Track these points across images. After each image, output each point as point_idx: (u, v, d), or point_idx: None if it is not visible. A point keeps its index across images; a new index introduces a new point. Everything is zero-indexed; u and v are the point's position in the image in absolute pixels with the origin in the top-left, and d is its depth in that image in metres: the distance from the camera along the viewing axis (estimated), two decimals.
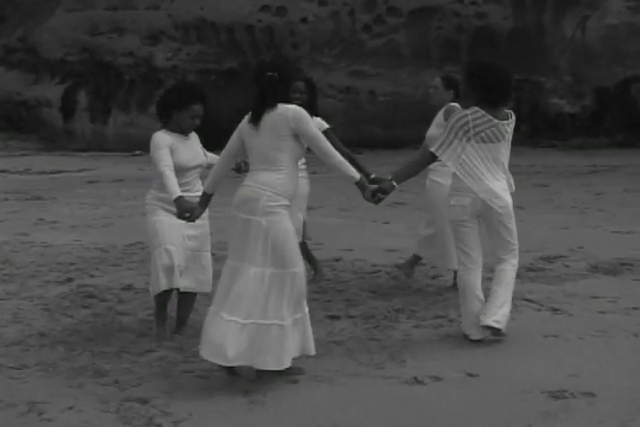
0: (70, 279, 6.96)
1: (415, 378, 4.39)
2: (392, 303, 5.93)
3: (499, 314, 4.92)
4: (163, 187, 4.93)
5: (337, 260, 7.57)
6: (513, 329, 5.26)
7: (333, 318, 5.65)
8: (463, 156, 4.87)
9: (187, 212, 4.74)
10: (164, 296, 5.20)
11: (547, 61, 15.49)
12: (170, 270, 5.07)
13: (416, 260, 6.72)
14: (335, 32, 16.30)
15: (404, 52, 16.03)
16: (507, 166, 5.10)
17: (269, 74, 4.28)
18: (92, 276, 7.11)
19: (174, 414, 4.00)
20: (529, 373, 4.47)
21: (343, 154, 5.45)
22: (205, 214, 4.98)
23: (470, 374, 4.47)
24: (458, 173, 4.91)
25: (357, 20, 16.12)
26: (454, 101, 6.22)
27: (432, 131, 6.27)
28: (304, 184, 6.20)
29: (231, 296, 4.27)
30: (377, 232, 9.05)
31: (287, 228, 4.27)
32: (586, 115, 15.73)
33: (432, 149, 4.95)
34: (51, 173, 15.85)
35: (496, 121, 4.88)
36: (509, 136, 5.01)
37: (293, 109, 4.25)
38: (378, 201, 4.67)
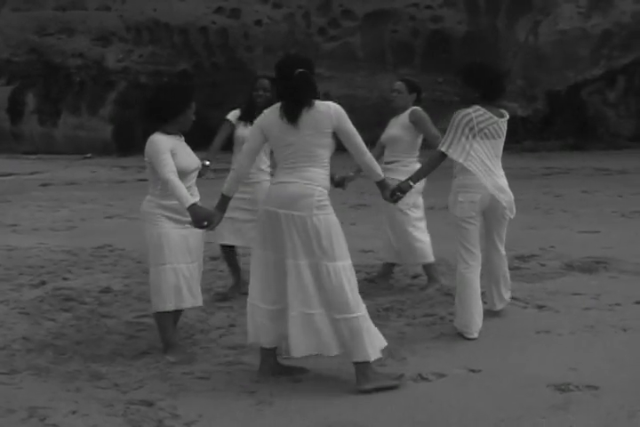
0: (44, 282, 6.79)
1: (420, 375, 4.40)
2: (378, 303, 5.93)
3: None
4: (165, 193, 4.66)
5: None
6: (504, 326, 5.34)
7: None
8: (472, 152, 4.95)
9: (205, 220, 4.41)
10: (170, 315, 4.86)
11: (500, 65, 15.69)
12: (177, 291, 4.76)
13: (389, 268, 6.71)
14: (289, 35, 16.28)
15: (358, 55, 16.10)
16: None
17: (300, 71, 4.21)
18: (65, 279, 6.95)
19: (183, 416, 3.93)
20: (530, 367, 4.52)
21: None
22: None
23: (473, 370, 4.49)
24: (471, 169, 5.00)
25: (312, 22, 16.13)
26: (415, 105, 6.34)
27: (397, 132, 6.31)
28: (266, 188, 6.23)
29: (307, 292, 4.20)
30: (346, 233, 9.01)
31: (336, 221, 4.28)
32: (538, 118, 16.00)
33: (442, 149, 5.00)
34: (1, 175, 15.48)
35: (496, 118, 5.02)
36: (504, 133, 5.13)
37: (334, 107, 4.24)
38: (397, 200, 4.84)
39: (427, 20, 15.56)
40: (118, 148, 16.77)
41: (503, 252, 5.44)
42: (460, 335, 5.09)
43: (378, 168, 4.43)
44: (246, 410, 4.01)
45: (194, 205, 4.45)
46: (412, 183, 4.91)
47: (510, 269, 6.86)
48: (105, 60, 16.78)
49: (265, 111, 4.38)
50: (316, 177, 4.25)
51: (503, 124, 5.11)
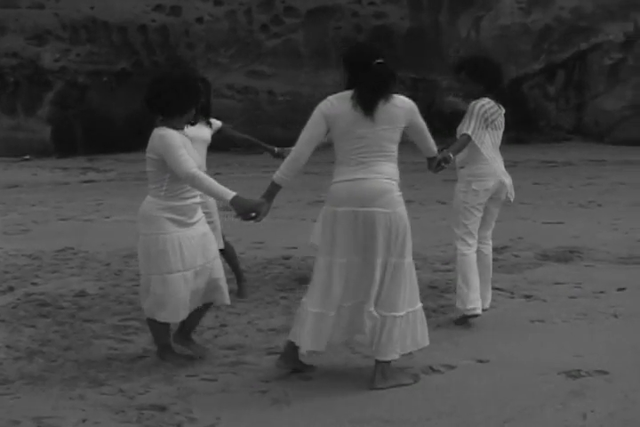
0: (12, 288, 6.53)
1: (430, 367, 4.38)
2: None
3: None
4: (171, 194, 4.33)
5: (286, 258, 7.46)
6: (498, 316, 5.37)
7: None
8: (485, 141, 5.08)
9: (252, 211, 4.13)
10: (166, 325, 4.60)
11: (442, 60, 15.85)
12: (177, 302, 4.42)
13: None
14: (231, 32, 16.11)
15: (302, 51, 16.04)
16: None
17: (379, 61, 4.04)
18: (34, 284, 6.70)
19: (201, 419, 3.82)
20: (535, 356, 4.55)
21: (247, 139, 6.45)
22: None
23: (480, 361, 4.50)
24: (487, 156, 5.18)
25: (254, 19, 15.99)
26: None
27: None
28: None
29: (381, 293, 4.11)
30: (311, 230, 8.98)
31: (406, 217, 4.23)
32: None
33: (468, 132, 5.07)
34: None
35: (501, 110, 5.12)
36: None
37: (409, 102, 4.15)
38: (440, 170, 4.75)
39: (370, 16, 15.60)
40: (57, 149, 16.35)
41: (488, 243, 5.51)
42: (460, 322, 5.17)
43: (435, 148, 4.51)
44: (264, 410, 3.92)
45: (237, 196, 4.12)
46: (451, 155, 4.88)
47: None
48: (40, 60, 16.32)
49: (330, 98, 4.10)
50: (393, 172, 4.14)
51: (503, 116, 5.30)
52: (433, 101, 16.37)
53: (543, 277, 6.33)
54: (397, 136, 4.15)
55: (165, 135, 4.30)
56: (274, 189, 4.19)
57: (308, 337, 4.16)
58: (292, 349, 4.29)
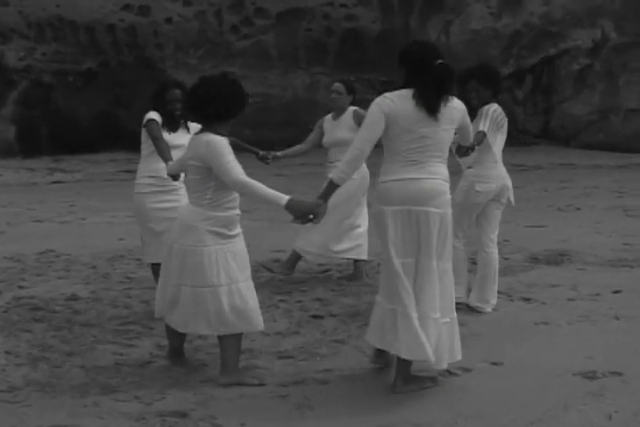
0: None
1: (448, 371, 4.36)
2: (363, 300, 5.86)
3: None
4: (215, 203, 4.15)
5: (276, 261, 7.40)
6: (500, 319, 5.40)
7: (317, 317, 5.51)
8: (496, 142, 5.39)
9: (309, 213, 4.03)
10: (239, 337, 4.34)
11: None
12: (249, 311, 4.23)
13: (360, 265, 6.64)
14: (201, 33, 15.98)
15: (272, 53, 15.96)
16: None
17: (441, 62, 4.01)
18: (21, 287, 6.55)
19: (225, 426, 3.75)
20: (547, 358, 4.58)
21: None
22: None
23: (495, 363, 4.52)
24: (497, 158, 5.41)
25: (224, 20, 15.88)
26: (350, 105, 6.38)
27: (345, 135, 6.23)
28: None
29: (434, 296, 4.03)
30: (296, 233, 8.94)
31: None
32: None
33: (484, 129, 5.18)
34: None
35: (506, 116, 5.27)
36: None
37: (462, 103, 4.16)
38: (465, 155, 4.98)
39: (341, 18, 15.60)
40: (22, 149, 16.04)
41: (493, 245, 5.75)
42: (474, 313, 5.39)
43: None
44: (287, 415, 3.87)
45: (291, 199, 4.00)
46: (476, 144, 4.98)
47: (476, 263, 7.00)
48: (4, 58, 15.99)
49: (388, 96, 4.02)
50: (446, 173, 4.12)
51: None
52: None
53: (538, 280, 6.37)
54: (452, 137, 4.18)
55: (213, 141, 4.12)
56: (332, 189, 4.09)
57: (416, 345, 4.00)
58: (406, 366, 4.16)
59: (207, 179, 4.15)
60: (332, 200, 4.31)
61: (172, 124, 5.55)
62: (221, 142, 4.12)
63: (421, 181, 4.02)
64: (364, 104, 15.01)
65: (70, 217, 10.14)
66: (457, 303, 5.01)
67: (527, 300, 5.84)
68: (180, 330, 4.39)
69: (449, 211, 4.13)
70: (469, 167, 5.42)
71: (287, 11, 15.69)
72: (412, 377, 4.16)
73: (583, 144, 15.31)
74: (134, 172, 16.41)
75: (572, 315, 5.42)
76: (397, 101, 4.00)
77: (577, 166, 13.79)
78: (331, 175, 4.13)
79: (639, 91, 15.13)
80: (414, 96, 3.99)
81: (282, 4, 15.64)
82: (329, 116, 6.51)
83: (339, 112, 6.41)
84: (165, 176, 5.35)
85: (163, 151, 5.35)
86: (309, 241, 6.49)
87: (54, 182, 13.97)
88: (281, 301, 5.98)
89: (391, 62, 16.98)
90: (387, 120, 4.00)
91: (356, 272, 6.60)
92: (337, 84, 6.46)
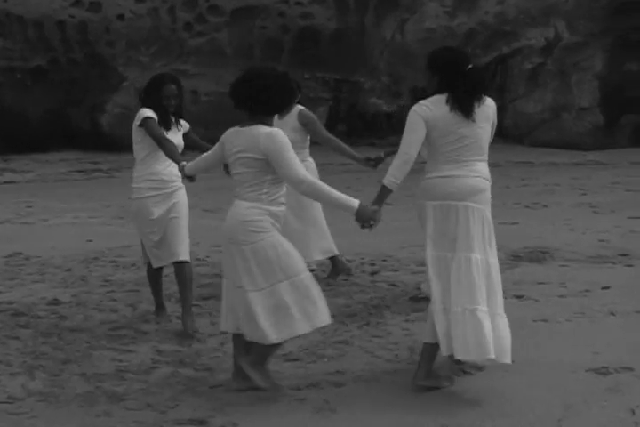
0: None
1: (462, 370, 4.33)
2: (361, 301, 5.82)
3: None
4: (271, 198, 4.03)
5: None
6: None
7: None
8: None
9: (371, 219, 4.02)
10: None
11: (366, 62, 15.91)
12: (315, 303, 4.06)
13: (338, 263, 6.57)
14: (154, 30, 15.67)
15: (226, 51, 15.75)
16: None
17: (472, 66, 4.16)
18: None
19: None
20: (556, 355, 4.60)
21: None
22: None
23: None
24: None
25: (178, 17, 15.59)
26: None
27: (290, 135, 6.02)
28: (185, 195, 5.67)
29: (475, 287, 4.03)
30: None
31: None
32: (402, 114, 16.32)
33: None
34: None
35: None
36: None
37: (492, 100, 4.24)
38: None
39: (296, 16, 15.48)
40: None
41: None
42: (415, 300, 5.47)
43: None
44: (310, 419, 3.79)
45: (361, 204, 3.98)
46: None
47: None
48: None
49: (424, 103, 4.12)
50: (486, 172, 4.23)
51: None
52: (356, 103, 16.43)
53: (524, 278, 6.39)
54: (489, 135, 4.25)
55: (276, 134, 4.01)
56: (385, 195, 4.13)
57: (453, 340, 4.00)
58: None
59: (264, 172, 4.02)
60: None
61: (167, 121, 5.24)
62: (283, 136, 4.04)
63: (463, 178, 4.12)
64: (319, 102, 14.63)
65: (31, 218, 9.85)
66: None
67: (519, 297, 5.85)
68: (277, 340, 4.02)
69: (489, 208, 4.20)
70: None
71: (242, 8, 15.50)
72: (434, 373, 4.13)
73: (537, 142, 15.49)
74: (87, 171, 16.14)
75: (567, 312, 5.44)
76: (433, 107, 4.12)
77: (534, 164, 13.95)
78: (383, 181, 4.15)
79: (591, 89, 15.39)
80: (448, 101, 4.11)
81: (236, 1, 15.45)
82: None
83: (284, 112, 5.96)
84: (167, 178, 5.17)
85: (172, 152, 5.00)
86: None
87: (5, 183, 13.57)
88: None
89: (345, 61, 17.00)
90: (427, 125, 4.10)
91: (335, 267, 6.52)
92: None
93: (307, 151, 6.35)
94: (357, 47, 15.81)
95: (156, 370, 4.48)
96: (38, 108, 15.72)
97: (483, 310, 4.02)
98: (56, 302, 5.97)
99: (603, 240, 7.63)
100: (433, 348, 4.10)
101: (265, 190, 4.05)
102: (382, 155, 5.98)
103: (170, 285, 6.37)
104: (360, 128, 16.80)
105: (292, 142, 6.07)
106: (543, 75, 15.61)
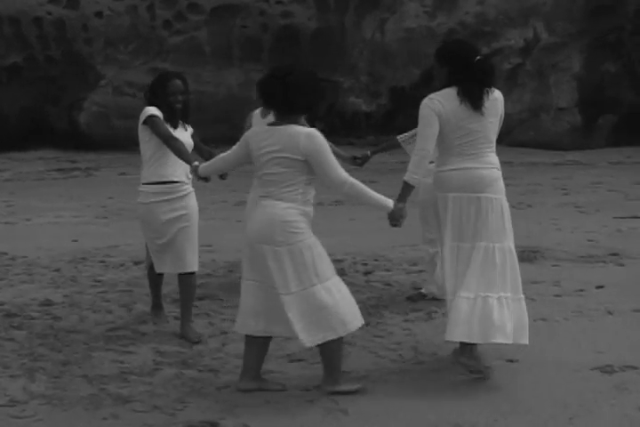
0: None
1: (470, 370, 4.33)
2: (358, 300, 5.78)
3: None
4: (305, 198, 3.99)
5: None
6: None
7: None
8: None
9: (403, 217, 4.11)
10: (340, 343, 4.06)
11: (346, 62, 15.90)
12: (347, 306, 4.05)
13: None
14: (132, 28, 15.55)
15: (205, 49, 15.68)
16: None
17: (479, 57, 4.22)
18: None
19: None
20: (559, 354, 4.63)
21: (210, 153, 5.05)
22: None
23: (510, 360, 4.53)
24: None
25: (157, 15, 15.48)
26: None
27: None
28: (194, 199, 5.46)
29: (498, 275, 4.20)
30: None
31: None
32: (381, 113, 16.34)
33: None
34: None
35: None
36: None
37: (500, 93, 4.32)
38: None
39: (277, 15, 15.44)
40: None
41: None
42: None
43: None
44: (323, 421, 3.76)
45: (394, 204, 4.05)
46: None
47: None
48: None
49: (434, 97, 4.17)
50: (497, 162, 4.34)
51: None
52: (335, 102, 16.40)
53: None
54: (497, 128, 4.36)
55: (316, 134, 3.93)
56: (408, 191, 4.20)
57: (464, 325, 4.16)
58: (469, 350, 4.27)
59: (300, 172, 3.96)
60: None
61: (173, 119, 5.02)
62: (322, 136, 3.97)
63: (478, 170, 4.25)
64: None
65: (13, 218, 9.71)
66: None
67: None
68: (310, 344, 3.99)
69: (504, 196, 4.34)
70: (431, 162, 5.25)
71: (221, 6, 15.43)
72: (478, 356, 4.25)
73: (515, 142, 15.57)
74: (65, 170, 15.87)
75: (565, 311, 5.47)
76: (444, 101, 4.18)
77: (513, 164, 13.99)
78: (404, 178, 4.22)
79: (569, 90, 15.52)
80: (459, 94, 4.16)
81: None
82: (257, 112, 5.96)
83: (267, 111, 5.64)
84: (176, 180, 5.01)
85: (181, 151, 4.80)
86: None
87: None
88: None
89: (325, 60, 16.99)
90: (440, 120, 4.16)
91: None
92: None
93: None
94: (337, 46, 15.80)
95: (159, 371, 4.42)
96: (15, 106, 15.52)
97: (496, 296, 4.16)
98: (48, 302, 5.88)
99: (592, 240, 7.69)
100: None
101: (300, 191, 3.99)
102: (369, 153, 5.97)
103: (165, 285, 6.33)
104: (339, 127, 16.77)
105: None
106: (522, 75, 15.71)
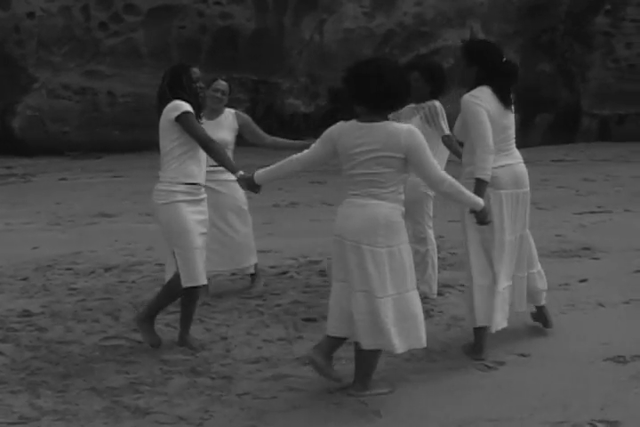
0: None
1: (486, 365, 4.34)
2: None
3: None
4: (402, 197, 3.93)
5: None
6: None
7: (310, 320, 5.30)
8: None
9: (490, 214, 4.31)
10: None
11: (285, 63, 15.82)
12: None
13: None
14: (66, 29, 15.12)
15: (142, 51, 15.36)
16: None
17: (506, 59, 4.49)
18: None
19: None
20: (567, 347, 4.68)
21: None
22: None
23: (523, 355, 4.56)
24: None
25: (92, 17, 15.10)
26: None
27: (227, 137, 5.88)
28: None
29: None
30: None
31: None
32: (319, 114, 16.31)
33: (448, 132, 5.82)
34: None
35: None
36: None
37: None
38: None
39: (215, 16, 15.25)
40: None
41: None
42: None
43: None
44: (356, 423, 3.69)
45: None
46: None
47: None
48: None
49: (476, 95, 4.34)
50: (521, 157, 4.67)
51: None
52: (273, 104, 16.32)
53: None
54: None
55: (416, 131, 3.83)
56: (484, 188, 4.31)
57: (482, 312, 4.49)
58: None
59: (399, 172, 3.85)
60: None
61: (199, 110, 4.71)
62: (420, 133, 3.86)
63: (517, 166, 4.57)
64: (236, 104, 14.00)
65: None
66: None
67: None
68: (401, 350, 3.94)
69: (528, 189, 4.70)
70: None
71: (159, 7, 15.15)
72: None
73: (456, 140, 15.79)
74: (2, 176, 15.26)
75: (557, 304, 5.50)
76: (485, 99, 4.37)
77: (457, 162, 14.17)
78: (478, 176, 4.32)
79: None
80: (495, 92, 4.37)
81: (153, 0, 15.09)
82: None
83: (216, 113, 5.82)
84: (201, 183, 4.70)
85: (224, 158, 4.59)
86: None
87: None
88: (258, 305, 5.72)
89: (263, 61, 16.83)
90: (489, 116, 4.36)
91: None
92: (223, 83, 5.86)
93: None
94: (276, 48, 15.71)
95: (170, 381, 4.27)
96: None
97: (526, 274, 4.77)
98: (27, 313, 5.63)
99: (559, 235, 7.80)
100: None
101: (400, 190, 3.90)
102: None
103: (141, 291, 6.15)
104: (277, 129, 16.64)
105: (227, 144, 5.86)
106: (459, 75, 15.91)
